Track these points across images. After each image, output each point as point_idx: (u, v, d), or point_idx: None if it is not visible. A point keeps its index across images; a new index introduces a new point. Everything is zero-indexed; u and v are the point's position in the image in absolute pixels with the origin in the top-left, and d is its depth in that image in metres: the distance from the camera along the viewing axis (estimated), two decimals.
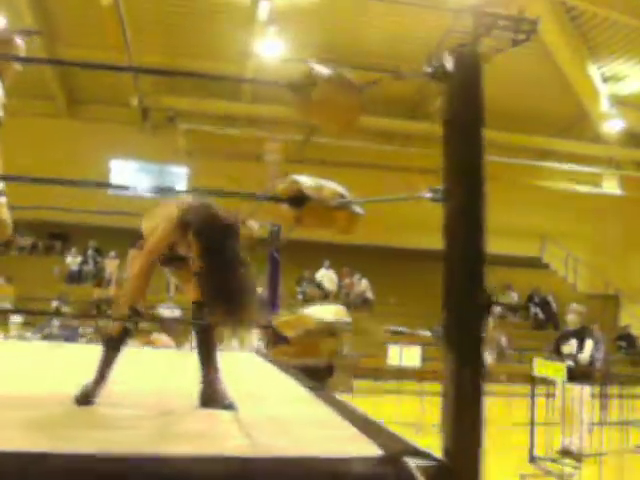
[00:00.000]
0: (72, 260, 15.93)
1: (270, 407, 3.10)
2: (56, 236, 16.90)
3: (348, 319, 2.62)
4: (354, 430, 2.50)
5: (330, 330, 2.51)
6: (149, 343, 9.02)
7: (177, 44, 15.14)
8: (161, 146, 17.65)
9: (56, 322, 11.71)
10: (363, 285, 17.26)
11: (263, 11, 13.61)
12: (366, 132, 16.38)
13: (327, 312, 2.63)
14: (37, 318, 11.35)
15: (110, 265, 15.76)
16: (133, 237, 3.55)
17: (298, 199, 2.51)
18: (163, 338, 8.96)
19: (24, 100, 17.12)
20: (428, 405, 7.93)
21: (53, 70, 16.13)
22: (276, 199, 2.58)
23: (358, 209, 2.66)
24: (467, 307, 2.18)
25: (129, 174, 19.06)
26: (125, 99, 15.49)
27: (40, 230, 16.90)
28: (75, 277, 15.63)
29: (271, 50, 14.26)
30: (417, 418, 8.60)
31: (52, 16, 14.65)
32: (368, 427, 2.47)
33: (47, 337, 10.60)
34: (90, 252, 16.21)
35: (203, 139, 17.55)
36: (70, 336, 10.50)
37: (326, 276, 16.96)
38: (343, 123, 2.74)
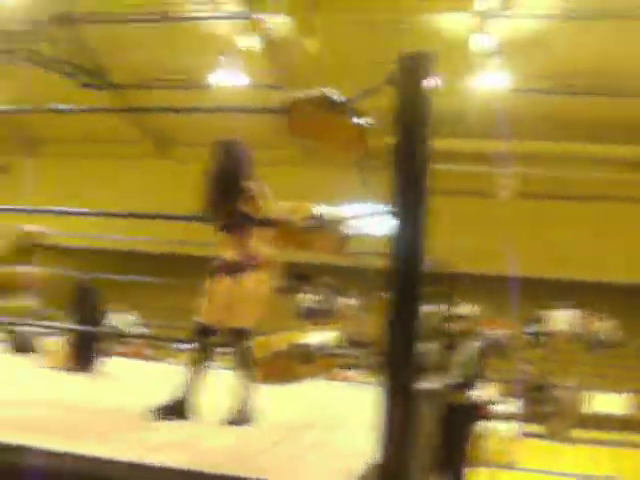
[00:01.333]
0: (307, 298, 16.75)
1: None
2: (299, 276, 17.91)
3: (333, 347, 2.53)
4: None
5: (305, 355, 2.45)
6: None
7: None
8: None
9: None
10: (608, 325, 15.93)
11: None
12: (606, 161, 15.38)
13: (315, 336, 2.57)
14: None
15: (343, 303, 16.31)
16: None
17: (266, 221, 2.56)
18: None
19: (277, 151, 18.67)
20: None
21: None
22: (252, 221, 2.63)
23: (343, 229, 2.61)
24: None
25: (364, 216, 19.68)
26: None
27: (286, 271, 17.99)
28: (310, 314, 16.39)
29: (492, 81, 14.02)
30: None
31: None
32: None
33: None
34: (325, 290, 16.93)
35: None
36: None
37: (562, 315, 15.94)
38: (340, 144, 2.71)
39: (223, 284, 3.74)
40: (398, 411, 2.04)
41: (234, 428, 3.39)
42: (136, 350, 10.96)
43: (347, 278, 17.13)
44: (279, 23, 14.02)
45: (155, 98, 17.25)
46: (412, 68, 2.31)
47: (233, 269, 3.77)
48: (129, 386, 5.22)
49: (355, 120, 2.59)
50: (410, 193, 2.24)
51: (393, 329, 2.12)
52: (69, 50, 15.65)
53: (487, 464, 8.75)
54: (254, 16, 14.00)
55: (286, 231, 2.52)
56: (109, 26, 14.59)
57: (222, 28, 14.23)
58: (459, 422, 5.91)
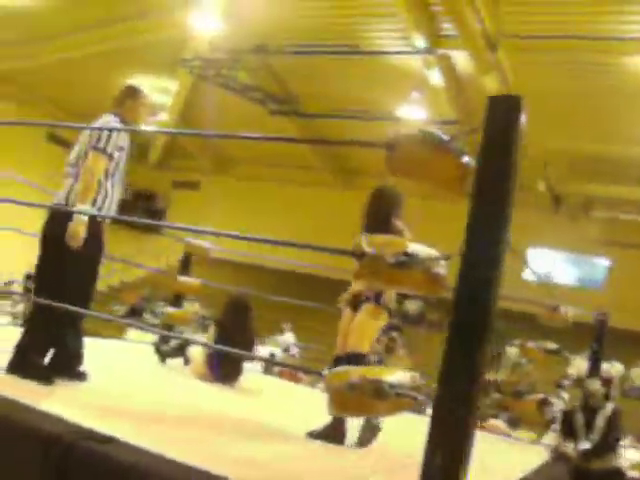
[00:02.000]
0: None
1: None
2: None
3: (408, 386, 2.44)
4: None
5: (378, 391, 2.38)
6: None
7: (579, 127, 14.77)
8: (576, 234, 17.21)
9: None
10: None
11: None
12: None
13: (392, 374, 2.50)
14: None
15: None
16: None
17: (356, 254, 2.53)
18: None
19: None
20: None
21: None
22: (344, 253, 2.61)
23: (440, 269, 2.51)
24: None
25: (544, 262, 18.97)
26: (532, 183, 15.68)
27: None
28: None
29: None
30: None
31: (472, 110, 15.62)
32: None
33: None
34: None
35: (622, 228, 16.64)
36: None
37: None
38: (442, 182, 2.64)
39: (347, 316, 4.07)
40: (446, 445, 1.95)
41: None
42: (291, 373, 11.19)
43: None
44: (461, 60, 13.94)
45: (341, 128, 17.79)
46: (502, 109, 2.23)
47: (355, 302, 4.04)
48: (265, 403, 5.39)
49: (460, 158, 2.50)
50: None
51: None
52: (263, 79, 16.54)
53: None
54: (440, 52, 14.04)
55: (373, 265, 2.48)
56: (302, 57, 15.21)
57: (413, 63, 14.36)
58: None
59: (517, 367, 15.55)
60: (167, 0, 14.86)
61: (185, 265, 8.14)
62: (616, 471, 5.69)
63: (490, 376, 15.21)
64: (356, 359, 3.76)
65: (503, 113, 2.26)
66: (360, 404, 2.44)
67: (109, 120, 4.04)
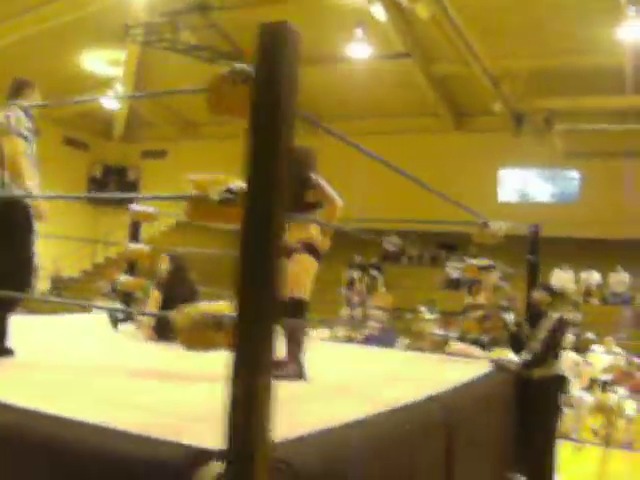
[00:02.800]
0: (451, 268, 16.51)
1: None
2: (443, 246, 17.65)
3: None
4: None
5: (218, 324, 2.49)
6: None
7: (542, 43, 14.62)
8: (544, 151, 17.22)
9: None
10: None
11: None
12: None
13: (216, 307, 2.60)
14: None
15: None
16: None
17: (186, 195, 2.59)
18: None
19: (413, 119, 18.46)
20: None
21: (433, 89, 17.06)
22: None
23: None
24: None
25: (517, 182, 19.04)
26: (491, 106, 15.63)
27: (429, 241, 17.91)
28: (453, 284, 16.13)
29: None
30: None
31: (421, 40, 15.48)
32: None
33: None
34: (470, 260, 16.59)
35: (587, 139, 16.62)
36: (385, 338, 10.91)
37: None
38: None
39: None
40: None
41: None
42: None
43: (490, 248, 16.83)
44: None
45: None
46: (270, 40, 2.25)
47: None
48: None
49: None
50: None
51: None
52: (209, 37, 16.34)
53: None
54: None
55: (200, 204, 2.55)
56: (243, 10, 14.99)
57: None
58: (540, 396, 5.64)
59: (497, 289, 15.72)
60: None
61: (134, 232, 8.24)
62: (557, 377, 5.76)
63: (469, 300, 15.37)
64: (298, 304, 4.26)
65: (270, 45, 2.27)
66: (203, 338, 2.54)
67: (14, 107, 4.19)
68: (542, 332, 5.78)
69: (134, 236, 8.23)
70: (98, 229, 20.24)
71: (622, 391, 8.70)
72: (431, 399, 3.85)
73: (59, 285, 18.28)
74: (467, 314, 6.99)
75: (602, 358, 9.35)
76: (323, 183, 4.42)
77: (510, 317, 7.67)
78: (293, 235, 4.26)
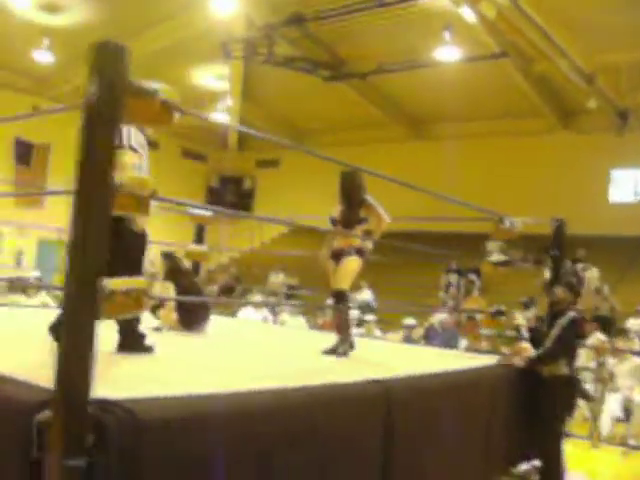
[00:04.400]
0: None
1: None
2: (546, 249, 17.12)
3: None
4: None
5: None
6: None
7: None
8: None
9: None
10: None
11: None
12: None
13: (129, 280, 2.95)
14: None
15: (590, 274, 15.35)
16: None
17: None
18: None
19: (517, 121, 18.11)
20: None
21: (533, 89, 16.65)
22: None
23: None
24: None
25: (629, 181, 18.18)
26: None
27: (532, 243, 17.45)
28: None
29: None
30: None
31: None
32: None
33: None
34: (571, 263, 16.04)
35: None
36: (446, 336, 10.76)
37: None
38: (148, 120, 3.06)
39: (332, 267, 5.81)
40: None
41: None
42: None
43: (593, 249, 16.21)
44: None
45: (393, 81, 17.82)
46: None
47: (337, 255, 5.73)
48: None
49: (154, 99, 2.87)
50: None
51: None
52: (306, 48, 16.82)
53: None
54: None
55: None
56: (336, 20, 15.33)
57: (441, 3, 14.13)
58: (547, 394, 5.57)
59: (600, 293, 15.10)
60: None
61: (199, 235, 8.81)
62: (567, 378, 5.65)
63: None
64: (341, 295, 5.54)
65: (99, 63, 2.59)
66: (119, 307, 2.89)
67: None
68: (556, 329, 5.71)
69: (199, 238, 8.80)
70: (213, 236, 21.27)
71: None
72: (372, 382, 4.00)
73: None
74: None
75: None
76: (375, 204, 5.70)
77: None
78: (344, 241, 5.65)
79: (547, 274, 7.87)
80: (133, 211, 3.13)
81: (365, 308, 15.44)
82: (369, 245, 5.71)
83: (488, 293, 15.51)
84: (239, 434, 3.04)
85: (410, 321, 11.31)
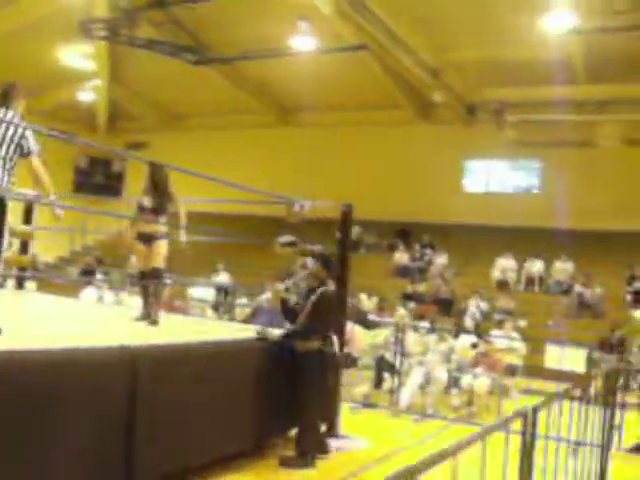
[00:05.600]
0: (400, 256, 16.88)
1: None
2: (399, 234, 18.01)
3: None
4: None
5: None
6: None
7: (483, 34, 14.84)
8: (498, 141, 17.48)
9: None
10: None
11: None
12: None
13: None
14: None
15: (437, 261, 16.27)
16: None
17: None
18: None
19: (376, 112, 18.85)
20: None
21: (393, 82, 17.40)
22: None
23: None
24: None
25: (481, 172, 19.28)
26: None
27: (387, 229, 18.30)
28: (403, 272, 16.46)
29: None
30: None
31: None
32: None
33: None
34: (420, 248, 16.96)
35: (544, 129, 16.82)
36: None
37: None
38: None
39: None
40: None
41: None
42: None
43: (444, 236, 17.15)
44: None
45: (259, 67, 18.18)
46: None
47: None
48: None
49: None
50: None
51: None
52: (170, 32, 16.93)
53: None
54: None
55: None
56: (199, 5, 15.52)
57: None
58: (300, 366, 5.86)
59: (443, 277, 15.99)
60: None
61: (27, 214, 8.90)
62: (316, 352, 5.86)
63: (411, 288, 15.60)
64: (158, 272, 6.64)
65: None
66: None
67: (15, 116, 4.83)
68: (308, 305, 6.00)
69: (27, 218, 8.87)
70: (80, 218, 21.00)
71: (479, 371, 9.03)
72: (121, 349, 4.38)
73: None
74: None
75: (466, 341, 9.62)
76: (176, 195, 6.65)
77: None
78: (153, 227, 6.64)
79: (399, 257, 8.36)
80: None
81: (222, 290, 15.87)
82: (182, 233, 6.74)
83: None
84: None
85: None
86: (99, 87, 20.06)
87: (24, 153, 4.69)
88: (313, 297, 5.97)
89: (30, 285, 10.82)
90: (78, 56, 18.81)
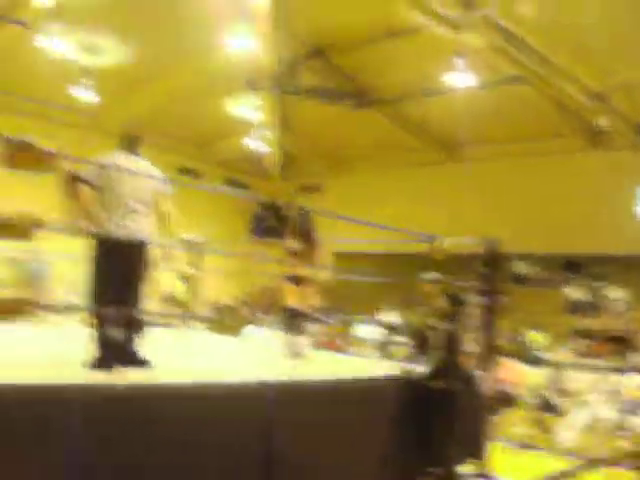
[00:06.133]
0: (571, 290, 16.13)
1: None
2: (567, 267, 17.24)
3: None
4: None
5: None
6: None
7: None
8: None
9: None
10: None
11: None
12: None
13: None
14: None
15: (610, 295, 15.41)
16: None
17: None
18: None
19: (540, 143, 18.39)
20: None
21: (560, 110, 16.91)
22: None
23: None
24: None
25: None
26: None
27: (553, 263, 17.61)
28: (574, 308, 15.71)
29: None
30: None
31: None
32: None
33: None
34: (591, 281, 16.12)
35: None
36: None
37: None
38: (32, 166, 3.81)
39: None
40: None
41: None
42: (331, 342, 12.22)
43: (617, 267, 16.18)
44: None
45: (419, 107, 18.38)
46: None
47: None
48: None
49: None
50: None
51: None
52: (330, 79, 17.60)
53: None
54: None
55: None
56: (355, 52, 16.09)
57: (446, 31, 14.64)
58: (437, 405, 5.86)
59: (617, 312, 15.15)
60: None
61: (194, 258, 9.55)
62: (446, 391, 5.85)
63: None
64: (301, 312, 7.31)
65: None
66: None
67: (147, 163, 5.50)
68: (438, 343, 6.02)
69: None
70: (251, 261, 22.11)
71: None
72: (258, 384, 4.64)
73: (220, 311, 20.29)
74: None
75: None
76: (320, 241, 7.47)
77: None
78: (302, 270, 7.27)
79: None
80: None
81: (390, 329, 16.00)
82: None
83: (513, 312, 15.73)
84: None
85: None
86: (268, 136, 21.09)
87: (159, 196, 5.14)
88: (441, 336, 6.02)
89: (199, 325, 11.59)
90: (247, 108, 19.99)
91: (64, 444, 3.52)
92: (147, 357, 4.99)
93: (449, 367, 5.83)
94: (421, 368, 6.15)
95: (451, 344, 5.90)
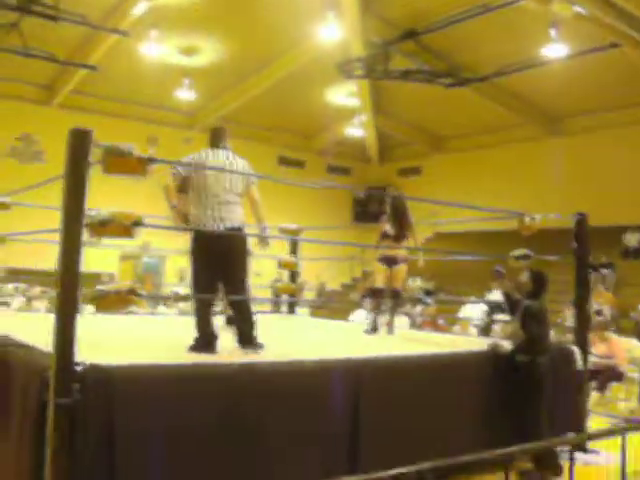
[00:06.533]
0: None
1: None
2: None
3: None
4: None
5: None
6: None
7: None
8: None
9: None
10: None
11: None
12: None
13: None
14: None
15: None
16: None
17: None
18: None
19: None
20: None
21: None
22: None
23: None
24: None
25: None
26: None
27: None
28: None
29: None
30: None
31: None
32: None
33: None
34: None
35: None
36: None
37: None
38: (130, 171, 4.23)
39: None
40: None
41: None
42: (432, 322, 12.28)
43: None
44: None
45: (512, 82, 18.04)
46: None
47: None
48: None
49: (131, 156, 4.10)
50: None
51: None
52: (421, 59, 17.56)
53: None
54: None
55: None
56: (446, 30, 15.97)
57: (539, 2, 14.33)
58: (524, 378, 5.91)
59: None
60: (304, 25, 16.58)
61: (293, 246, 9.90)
62: (533, 365, 5.89)
63: None
64: (398, 293, 7.68)
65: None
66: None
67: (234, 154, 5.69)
68: (518, 319, 6.09)
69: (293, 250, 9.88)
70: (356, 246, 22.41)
71: None
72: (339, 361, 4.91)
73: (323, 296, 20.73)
74: None
75: None
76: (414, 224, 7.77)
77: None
78: (395, 251, 7.65)
79: None
80: None
81: (494, 308, 15.82)
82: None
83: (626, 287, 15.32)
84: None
85: None
86: (366, 121, 21.29)
87: (248, 185, 5.42)
88: (520, 312, 6.05)
89: (302, 310, 11.98)
90: (343, 95, 20.27)
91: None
92: (260, 340, 5.34)
93: (535, 342, 5.87)
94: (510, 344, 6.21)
95: (537, 319, 5.93)
